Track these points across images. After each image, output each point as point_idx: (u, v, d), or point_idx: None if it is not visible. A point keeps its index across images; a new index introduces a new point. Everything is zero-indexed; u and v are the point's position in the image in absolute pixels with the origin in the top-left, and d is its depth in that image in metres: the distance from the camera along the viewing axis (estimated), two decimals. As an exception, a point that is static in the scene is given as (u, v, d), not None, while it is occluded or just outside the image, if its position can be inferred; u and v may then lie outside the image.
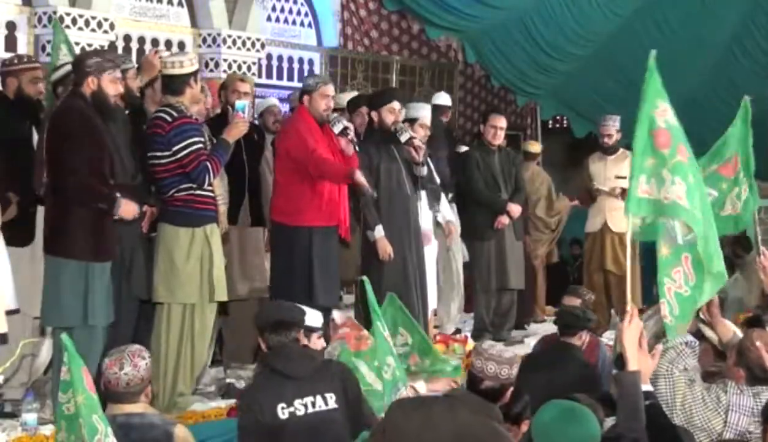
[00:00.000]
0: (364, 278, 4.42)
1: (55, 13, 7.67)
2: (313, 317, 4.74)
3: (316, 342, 4.73)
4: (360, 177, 6.08)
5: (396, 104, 6.72)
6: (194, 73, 5.56)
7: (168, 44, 8.90)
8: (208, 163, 5.45)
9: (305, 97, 6.29)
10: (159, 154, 5.44)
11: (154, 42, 8.82)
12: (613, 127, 8.57)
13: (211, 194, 5.58)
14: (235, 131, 5.63)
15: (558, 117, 13.55)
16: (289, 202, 6.22)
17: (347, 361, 4.60)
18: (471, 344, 7.04)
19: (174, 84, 5.51)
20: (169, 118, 5.42)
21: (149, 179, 5.59)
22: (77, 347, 3.50)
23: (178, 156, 5.40)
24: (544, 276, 9.41)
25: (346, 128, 6.38)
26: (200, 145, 5.46)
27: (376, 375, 4.60)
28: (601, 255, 8.53)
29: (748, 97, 5.16)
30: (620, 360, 3.50)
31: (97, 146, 5.12)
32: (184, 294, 5.49)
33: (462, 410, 3.11)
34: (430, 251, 7.07)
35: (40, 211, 5.72)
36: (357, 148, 6.51)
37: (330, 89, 6.30)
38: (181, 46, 8.92)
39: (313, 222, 6.19)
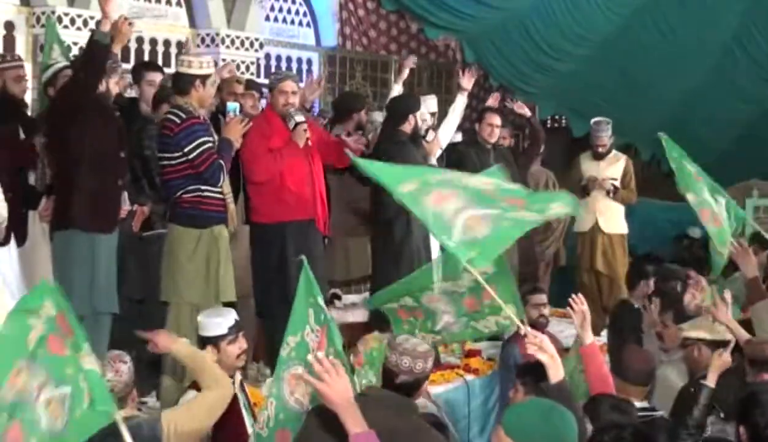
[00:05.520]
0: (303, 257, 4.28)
1: (53, 13, 7.67)
2: (213, 325, 4.55)
3: (227, 349, 4.55)
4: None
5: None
6: (203, 77, 5.50)
7: (166, 44, 8.90)
8: (221, 161, 5.45)
9: (270, 94, 6.32)
10: (168, 155, 5.46)
11: (153, 42, 8.82)
12: (605, 135, 8.36)
13: (219, 196, 5.55)
14: (234, 130, 5.63)
15: (557, 117, 13.53)
16: (262, 201, 6.23)
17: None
18: (470, 343, 7.04)
19: (180, 82, 5.51)
20: (177, 120, 5.41)
21: (160, 181, 5.60)
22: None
23: (190, 157, 5.39)
24: (550, 279, 9.29)
25: (298, 124, 6.43)
26: (210, 145, 5.45)
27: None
28: (591, 256, 8.36)
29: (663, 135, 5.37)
30: None
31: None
32: (188, 293, 5.48)
33: (379, 410, 3.14)
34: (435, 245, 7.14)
35: (32, 215, 5.76)
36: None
37: (288, 85, 6.26)
38: (180, 46, 8.91)
39: (284, 217, 6.18)
